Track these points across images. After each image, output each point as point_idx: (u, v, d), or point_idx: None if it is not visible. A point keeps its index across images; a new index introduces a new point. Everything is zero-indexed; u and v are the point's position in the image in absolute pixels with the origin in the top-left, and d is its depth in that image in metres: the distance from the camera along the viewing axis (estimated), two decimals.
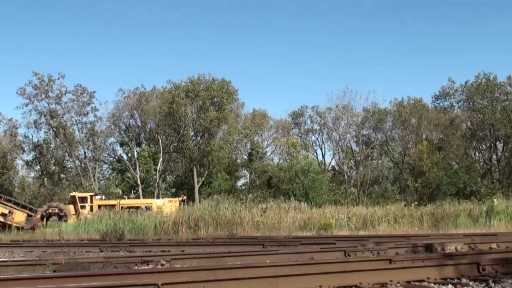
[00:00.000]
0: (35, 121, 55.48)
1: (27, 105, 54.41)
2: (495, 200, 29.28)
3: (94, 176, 56.56)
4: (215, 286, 6.77)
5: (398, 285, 7.41)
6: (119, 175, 56.50)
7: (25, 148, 59.20)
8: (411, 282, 7.55)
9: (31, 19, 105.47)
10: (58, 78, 54.44)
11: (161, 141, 53.52)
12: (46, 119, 54.98)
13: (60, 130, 54.56)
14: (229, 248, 15.36)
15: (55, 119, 54.37)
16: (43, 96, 54.25)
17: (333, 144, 60.13)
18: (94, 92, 56.34)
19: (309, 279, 7.16)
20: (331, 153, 61.66)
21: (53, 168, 58.94)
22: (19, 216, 37.70)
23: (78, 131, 56.90)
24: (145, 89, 58.78)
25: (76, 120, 56.37)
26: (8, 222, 36.55)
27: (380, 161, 59.36)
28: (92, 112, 56.69)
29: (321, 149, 62.94)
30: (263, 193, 52.86)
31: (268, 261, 10.69)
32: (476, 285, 7.31)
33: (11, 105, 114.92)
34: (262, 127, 61.90)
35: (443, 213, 27.62)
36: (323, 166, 60.53)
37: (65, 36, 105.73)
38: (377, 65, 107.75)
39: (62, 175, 59.85)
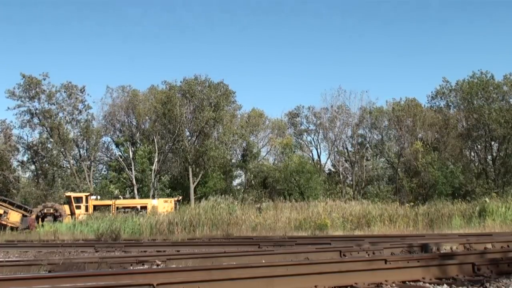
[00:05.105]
0: (29, 121, 55.32)
1: (19, 106, 54.26)
2: (487, 199, 29.36)
3: (89, 176, 56.38)
4: (211, 286, 6.78)
5: (394, 285, 7.43)
6: (117, 173, 56.26)
7: (20, 148, 59.04)
8: (407, 282, 7.57)
9: (23, 19, 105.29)
10: (44, 79, 54.10)
11: (156, 141, 53.39)
12: (39, 120, 54.73)
13: (54, 130, 54.28)
14: (225, 248, 15.38)
15: (48, 119, 54.08)
16: (34, 96, 53.82)
17: (329, 144, 60.23)
18: (84, 87, 56.12)
19: (304, 279, 7.17)
20: (326, 153, 61.81)
21: (48, 167, 58.75)
22: (14, 216, 37.55)
23: (71, 127, 56.64)
24: (130, 87, 58.80)
25: (69, 119, 56.11)
26: (3, 222, 36.40)
27: (375, 161, 59.39)
28: (85, 110, 56.51)
29: (316, 149, 63.08)
30: (259, 193, 52.82)
31: (263, 261, 10.70)
32: (471, 285, 7.33)
33: (3, 106, 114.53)
34: (257, 127, 61.86)
35: (437, 213, 27.68)
36: (318, 166, 60.54)
37: (61, 36, 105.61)
38: (372, 65, 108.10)
39: (57, 175, 59.64)
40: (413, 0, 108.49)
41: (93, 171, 59.44)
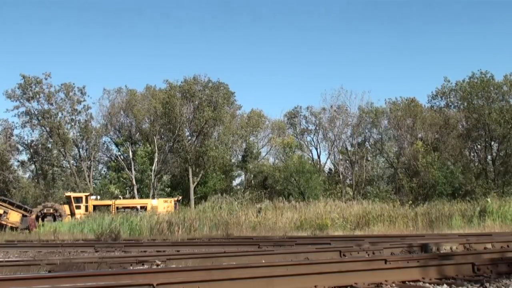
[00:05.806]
0: (29, 121, 55.30)
1: (18, 107, 54.26)
2: (489, 199, 29.33)
3: (89, 176, 56.35)
4: (210, 286, 6.77)
5: (394, 285, 7.42)
6: (116, 173, 56.24)
7: (20, 148, 59.06)
8: (406, 282, 7.57)
9: (21, 20, 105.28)
10: (46, 78, 54.10)
11: (156, 140, 53.35)
12: (39, 120, 54.68)
13: (54, 130, 54.23)
14: (225, 248, 15.36)
15: (48, 120, 54.02)
16: (33, 96, 53.77)
17: (329, 144, 60.21)
18: (84, 87, 56.16)
19: (304, 279, 7.16)
20: (326, 153, 61.81)
21: (48, 167, 58.73)
22: (14, 216, 37.52)
23: (70, 127, 56.60)
24: (127, 87, 58.98)
25: (69, 119, 56.08)
26: (3, 222, 36.39)
27: (375, 161, 59.38)
28: (84, 111, 56.52)
29: (316, 149, 63.05)
30: (259, 193, 52.78)
31: (263, 261, 10.68)
32: (471, 285, 7.32)
33: (3, 106, 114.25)
34: (257, 128, 61.81)
35: (437, 213, 27.67)
36: (318, 166, 60.49)
37: (59, 36, 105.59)
38: (372, 65, 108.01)
39: (57, 175, 59.60)
40: (413, 0, 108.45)
41: (93, 171, 59.41)
